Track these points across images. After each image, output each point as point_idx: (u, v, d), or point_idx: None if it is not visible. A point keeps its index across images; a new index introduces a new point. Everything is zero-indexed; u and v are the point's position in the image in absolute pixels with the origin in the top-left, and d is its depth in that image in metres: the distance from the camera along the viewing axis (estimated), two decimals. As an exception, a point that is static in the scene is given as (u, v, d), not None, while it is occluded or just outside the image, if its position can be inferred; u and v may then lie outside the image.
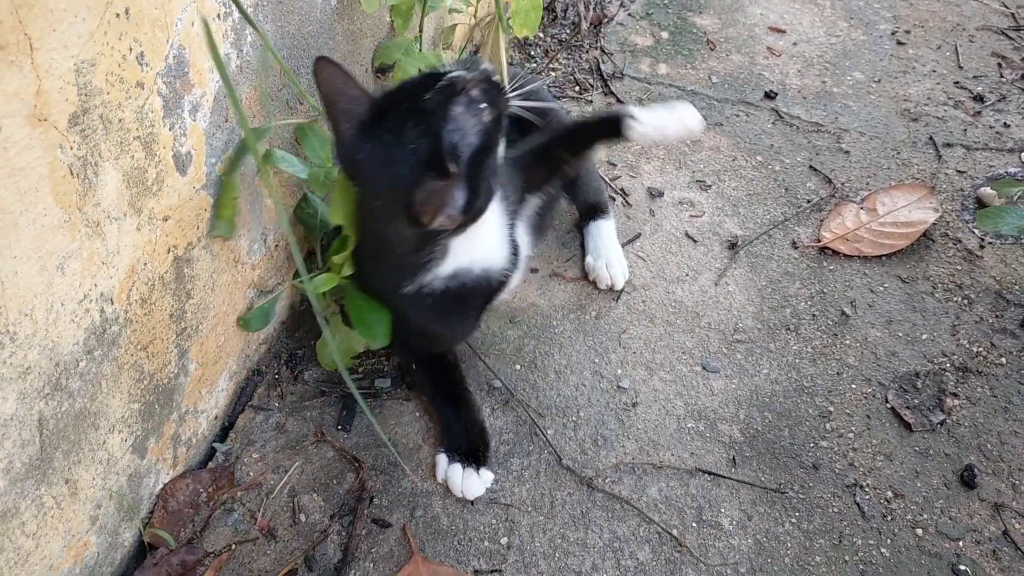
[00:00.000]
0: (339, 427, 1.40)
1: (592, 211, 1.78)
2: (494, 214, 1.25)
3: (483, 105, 1.12)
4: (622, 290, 1.69)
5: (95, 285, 1.00)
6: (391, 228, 1.15)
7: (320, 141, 1.34)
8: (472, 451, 1.34)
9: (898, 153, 2.07)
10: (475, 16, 2.01)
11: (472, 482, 1.31)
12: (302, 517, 1.28)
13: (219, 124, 1.19)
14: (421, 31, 1.71)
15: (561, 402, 1.47)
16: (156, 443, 1.21)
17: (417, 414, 1.44)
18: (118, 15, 0.93)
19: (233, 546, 1.24)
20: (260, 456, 1.35)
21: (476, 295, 1.30)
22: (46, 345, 0.93)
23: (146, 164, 1.04)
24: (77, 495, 1.05)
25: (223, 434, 1.39)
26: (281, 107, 1.36)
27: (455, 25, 1.97)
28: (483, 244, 1.25)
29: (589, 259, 1.73)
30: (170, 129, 1.08)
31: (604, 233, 1.75)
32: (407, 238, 1.16)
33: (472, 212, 1.11)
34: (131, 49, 0.97)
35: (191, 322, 1.23)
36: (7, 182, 0.83)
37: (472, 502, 1.31)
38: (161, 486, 1.25)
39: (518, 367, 1.52)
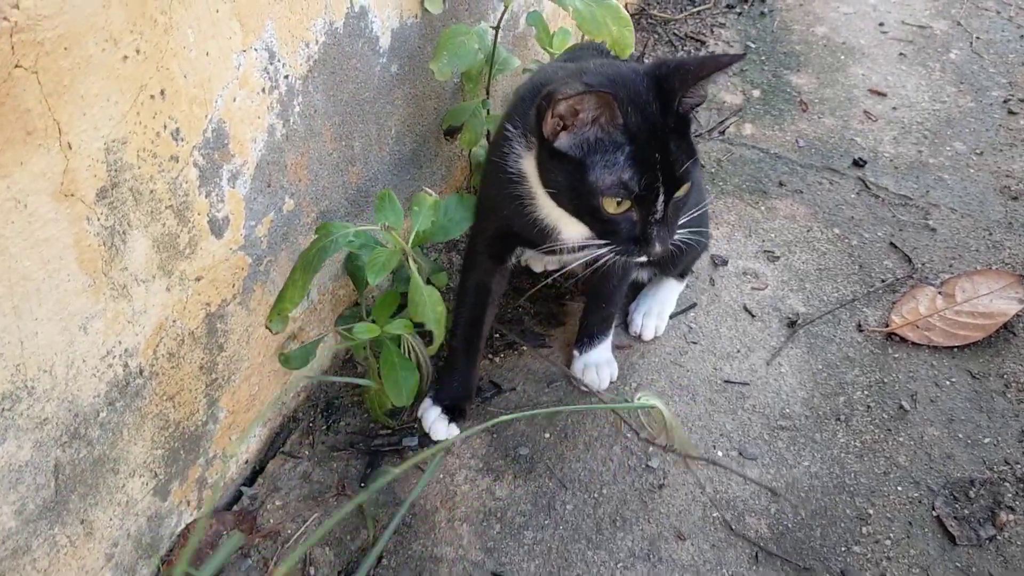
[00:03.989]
0: (361, 483, 1.43)
1: (668, 274, 1.72)
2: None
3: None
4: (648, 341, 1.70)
5: (119, 342, 1.07)
6: None
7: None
8: (454, 407, 1.50)
9: (990, 234, 1.95)
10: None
11: (439, 427, 1.48)
12: (312, 570, 1.32)
13: (261, 189, 1.25)
14: (488, 94, 1.75)
15: (586, 475, 1.46)
16: (180, 486, 1.28)
17: (440, 475, 1.46)
18: (152, 96, 1.00)
19: (243, 592, 1.30)
20: (283, 504, 1.40)
21: None
22: (65, 398, 1.01)
23: (178, 230, 1.11)
24: (93, 535, 1.12)
25: (253, 477, 1.45)
26: (330, 170, 1.42)
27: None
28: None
29: (631, 306, 1.73)
30: (206, 197, 1.14)
31: (663, 289, 1.73)
32: None
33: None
34: (165, 126, 1.03)
35: (223, 373, 1.29)
36: (31, 252, 0.90)
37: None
38: (184, 525, 1.31)
39: (547, 435, 1.52)
